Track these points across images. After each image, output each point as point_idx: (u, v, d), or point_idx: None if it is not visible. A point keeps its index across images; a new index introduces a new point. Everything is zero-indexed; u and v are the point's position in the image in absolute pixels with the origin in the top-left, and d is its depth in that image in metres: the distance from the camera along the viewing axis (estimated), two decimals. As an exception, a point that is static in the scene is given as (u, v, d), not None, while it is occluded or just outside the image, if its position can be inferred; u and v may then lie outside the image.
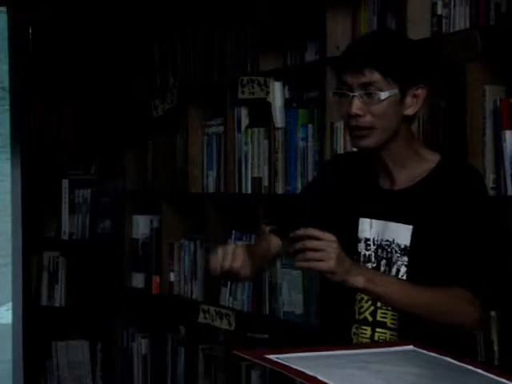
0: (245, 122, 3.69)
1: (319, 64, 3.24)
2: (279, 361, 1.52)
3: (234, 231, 3.73)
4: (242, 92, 3.57)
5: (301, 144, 3.36)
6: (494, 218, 2.08)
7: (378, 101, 1.99)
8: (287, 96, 3.47)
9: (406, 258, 2.02)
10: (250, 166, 3.63)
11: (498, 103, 2.54)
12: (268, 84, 3.48)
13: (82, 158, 4.83)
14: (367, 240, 2.09)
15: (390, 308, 2.03)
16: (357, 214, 2.11)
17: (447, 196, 2.01)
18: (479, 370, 1.56)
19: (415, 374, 1.51)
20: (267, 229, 2.32)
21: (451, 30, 2.75)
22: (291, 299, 3.37)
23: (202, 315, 3.74)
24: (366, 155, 2.13)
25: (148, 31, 4.42)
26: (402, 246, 2.03)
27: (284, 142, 3.44)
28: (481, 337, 2.57)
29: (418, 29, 2.81)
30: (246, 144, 3.66)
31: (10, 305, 4.89)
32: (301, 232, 1.85)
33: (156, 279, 4.23)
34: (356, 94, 2.00)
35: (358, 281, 1.86)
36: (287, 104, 3.46)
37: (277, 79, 3.47)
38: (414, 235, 2.01)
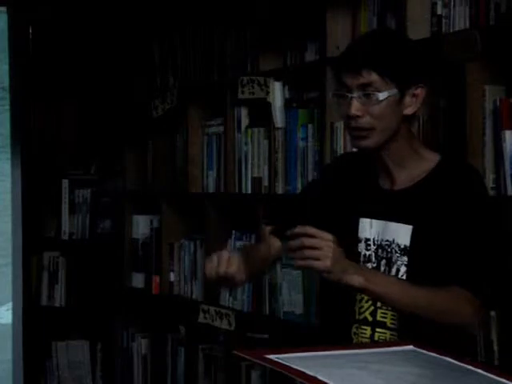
0: (245, 122, 3.69)
1: (319, 64, 3.24)
2: (279, 361, 1.52)
3: (233, 231, 3.73)
4: (242, 92, 3.57)
5: (301, 144, 3.36)
6: (493, 218, 2.07)
7: (376, 101, 1.99)
8: (287, 96, 3.47)
9: (405, 258, 2.02)
10: (250, 166, 3.63)
11: (498, 103, 2.54)
12: (268, 84, 3.48)
13: (82, 158, 4.83)
14: (367, 240, 2.09)
15: (389, 308, 2.03)
16: (357, 214, 2.11)
17: (447, 196, 2.01)
18: (479, 370, 1.56)
19: (415, 374, 1.51)
20: (267, 229, 2.32)
21: (451, 30, 2.74)
22: (291, 299, 3.37)
23: (201, 315, 3.74)
24: (365, 155, 2.13)
25: (148, 31, 4.42)
26: (402, 246, 2.03)
27: (284, 141, 3.44)
28: (481, 337, 2.57)
29: (418, 29, 2.81)
30: (246, 144, 3.66)
31: (10, 305, 4.89)
32: (298, 230, 1.85)
33: (156, 279, 4.23)
34: (354, 95, 2.00)
35: (355, 280, 1.86)
36: (287, 104, 3.45)
37: (277, 79, 3.47)
38: (414, 235, 2.02)
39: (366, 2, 3.14)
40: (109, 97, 4.68)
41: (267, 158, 3.53)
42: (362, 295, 2.03)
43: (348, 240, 2.04)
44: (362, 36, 2.15)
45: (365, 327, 2.08)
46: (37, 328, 4.70)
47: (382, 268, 2.06)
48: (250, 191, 3.63)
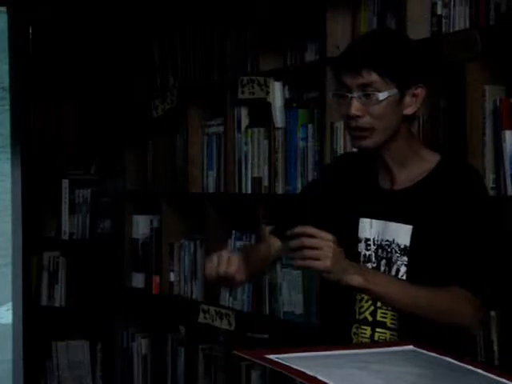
0: (245, 122, 3.69)
1: (319, 64, 3.24)
2: (279, 361, 1.52)
3: (233, 231, 3.73)
4: (242, 92, 3.57)
5: (301, 144, 3.36)
6: (493, 218, 2.07)
7: (376, 101, 1.99)
8: (287, 96, 3.47)
9: (405, 258, 2.02)
10: (250, 166, 3.63)
11: (498, 103, 2.54)
12: (268, 84, 3.48)
13: (82, 158, 4.83)
14: (367, 240, 2.09)
15: (390, 308, 2.03)
16: (357, 214, 2.11)
17: (447, 196, 2.01)
18: (479, 370, 1.56)
19: (415, 374, 1.51)
20: (267, 229, 2.32)
21: (451, 30, 2.74)
22: (291, 299, 3.37)
23: (201, 315, 3.74)
24: (365, 155, 2.13)
25: (148, 31, 4.42)
26: (402, 246, 2.03)
27: (284, 142, 3.44)
28: (481, 337, 2.57)
29: (418, 29, 2.81)
30: (246, 144, 3.66)
31: (10, 305, 4.89)
32: (298, 230, 1.85)
33: (156, 279, 4.23)
34: (354, 95, 2.00)
35: (355, 280, 1.86)
36: (287, 104, 3.45)
37: (277, 79, 3.47)
38: (414, 235, 2.02)
39: (366, 1, 3.14)
40: (109, 97, 4.68)
41: (267, 158, 3.53)
42: (362, 295, 2.03)
43: (348, 240, 2.04)
44: (361, 36, 2.15)
45: (365, 327, 2.08)
46: (37, 328, 4.70)
47: (382, 268, 2.06)
48: (250, 191, 3.63)
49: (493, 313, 2.55)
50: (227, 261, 2.02)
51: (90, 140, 4.81)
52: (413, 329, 1.96)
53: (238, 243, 3.69)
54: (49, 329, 4.74)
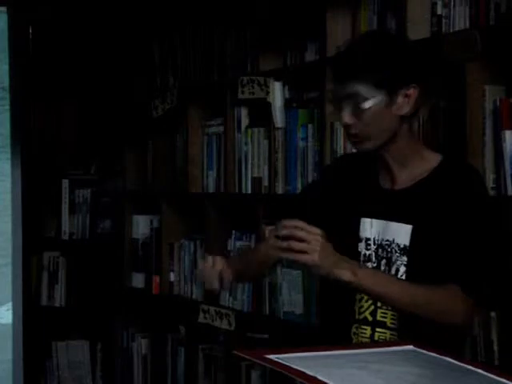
0: (245, 122, 3.69)
1: (319, 64, 3.24)
2: (279, 361, 1.52)
3: (233, 231, 3.73)
4: (242, 92, 3.57)
5: (301, 144, 3.36)
6: (493, 219, 2.07)
7: (363, 110, 2.00)
8: (287, 96, 3.47)
9: (405, 258, 2.02)
10: (250, 166, 3.63)
11: (498, 103, 2.54)
12: (268, 84, 3.48)
13: (82, 158, 4.83)
14: (368, 240, 2.09)
15: (389, 308, 2.03)
16: (358, 214, 2.11)
17: (447, 196, 2.01)
18: (479, 370, 1.56)
19: (415, 374, 1.51)
20: (267, 229, 2.33)
21: (451, 30, 2.74)
22: (291, 299, 3.37)
23: (201, 315, 3.74)
24: (366, 155, 2.13)
25: (148, 31, 4.42)
26: (402, 246, 2.03)
27: (284, 141, 3.44)
28: (481, 337, 2.57)
29: (418, 29, 2.81)
30: (246, 144, 3.66)
31: (9, 305, 4.89)
32: (287, 222, 1.85)
33: (156, 279, 4.23)
34: (344, 104, 2.01)
35: (344, 274, 1.85)
36: (287, 104, 3.45)
37: (277, 79, 3.47)
38: (414, 235, 2.02)
39: (365, 1, 3.14)
40: (109, 97, 4.68)
41: (267, 158, 3.53)
42: (362, 295, 2.04)
43: (349, 240, 2.05)
44: (350, 43, 2.12)
45: (365, 327, 2.08)
46: (37, 328, 4.70)
47: (382, 268, 2.06)
48: (250, 191, 3.63)
49: (493, 313, 2.55)
50: (213, 261, 2.13)
51: (90, 140, 4.81)
52: (413, 329, 1.97)
53: (238, 243, 3.69)
54: (49, 329, 4.74)
